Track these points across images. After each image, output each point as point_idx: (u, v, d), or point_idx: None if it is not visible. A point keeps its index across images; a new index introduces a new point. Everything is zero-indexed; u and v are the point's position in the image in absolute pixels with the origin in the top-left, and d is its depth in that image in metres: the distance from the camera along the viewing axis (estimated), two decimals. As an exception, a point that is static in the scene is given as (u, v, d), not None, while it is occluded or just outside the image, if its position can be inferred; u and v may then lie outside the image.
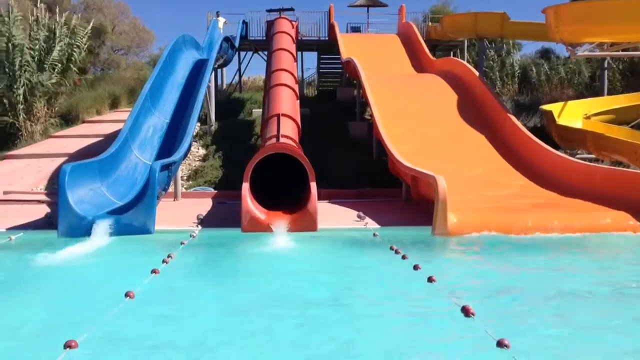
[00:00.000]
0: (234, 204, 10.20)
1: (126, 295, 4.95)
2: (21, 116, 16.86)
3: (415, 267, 6.10)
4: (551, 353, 4.02)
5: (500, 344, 3.71)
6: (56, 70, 17.44)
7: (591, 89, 20.81)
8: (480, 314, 4.40)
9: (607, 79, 18.65)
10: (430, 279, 5.57)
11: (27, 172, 14.14)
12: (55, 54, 17.32)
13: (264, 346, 4.16)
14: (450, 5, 30.85)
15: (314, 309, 5.09)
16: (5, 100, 17.02)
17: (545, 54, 25.73)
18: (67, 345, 3.75)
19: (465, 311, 4.44)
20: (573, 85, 21.93)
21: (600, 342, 4.29)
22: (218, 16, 22.23)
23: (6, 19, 16.55)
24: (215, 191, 13.20)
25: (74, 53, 18.05)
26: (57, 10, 18.52)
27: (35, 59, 17.03)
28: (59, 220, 8.53)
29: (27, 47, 16.77)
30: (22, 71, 16.65)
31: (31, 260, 7.01)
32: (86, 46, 18.95)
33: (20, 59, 16.61)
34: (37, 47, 17.12)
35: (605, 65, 18.51)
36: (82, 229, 8.44)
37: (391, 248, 7.22)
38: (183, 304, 5.30)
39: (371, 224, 9.32)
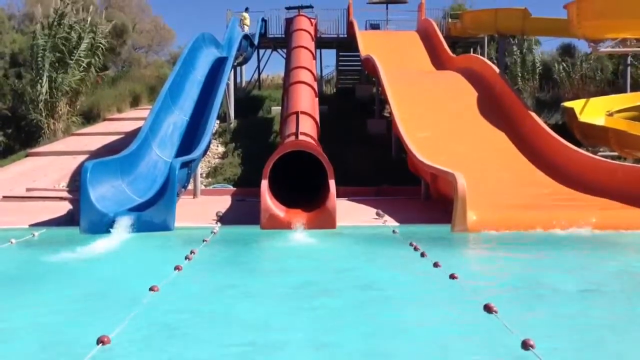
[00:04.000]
0: (253, 201, 10.24)
1: (151, 289, 5.01)
2: (44, 114, 17.09)
3: (435, 265, 6.08)
4: (574, 352, 3.98)
5: (525, 344, 3.67)
6: (81, 67, 17.67)
7: (614, 86, 20.52)
8: (503, 312, 4.37)
9: (630, 76, 18.36)
10: (451, 276, 5.53)
11: (49, 169, 14.33)
12: (80, 50, 17.54)
13: (292, 342, 4.17)
14: (467, 3, 30.47)
15: (334, 306, 5.10)
16: (27, 98, 17.29)
17: (567, 50, 25.43)
18: (100, 341, 3.78)
19: (488, 309, 4.41)
20: (595, 82, 21.63)
21: (625, 340, 4.24)
22: (246, 11, 22.22)
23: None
24: (234, 188, 13.26)
25: (97, 52, 18.29)
26: (81, 9, 18.74)
27: (59, 58, 17.24)
28: (80, 216, 8.64)
29: (49, 46, 16.98)
30: (45, 70, 16.88)
31: (55, 256, 7.11)
32: (107, 45, 19.18)
33: (42, 58, 16.84)
34: (60, 45, 17.33)
35: (629, 61, 18.23)
36: (103, 226, 8.54)
37: (410, 244, 7.19)
38: (208, 298, 5.35)
39: (390, 221, 9.29)
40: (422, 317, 4.83)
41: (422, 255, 6.64)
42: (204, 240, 7.65)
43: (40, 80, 16.92)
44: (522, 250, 7.62)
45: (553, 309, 5.02)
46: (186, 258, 6.49)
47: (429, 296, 5.46)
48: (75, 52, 17.51)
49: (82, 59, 17.63)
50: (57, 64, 17.15)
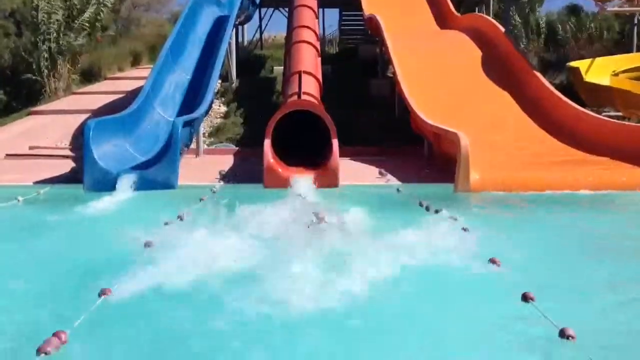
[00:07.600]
0: (255, 160, 10.23)
1: (146, 245, 5.11)
2: (44, 73, 16.95)
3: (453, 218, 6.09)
4: (576, 307, 4.04)
5: (525, 297, 3.73)
6: (85, 30, 17.50)
7: (620, 46, 20.26)
8: (507, 267, 4.41)
9: (637, 36, 18.12)
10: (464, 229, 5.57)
11: (51, 127, 14.29)
12: (87, 15, 17.34)
13: (285, 302, 4.13)
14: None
15: (345, 261, 5.02)
16: (29, 57, 17.13)
17: (573, 9, 25.02)
18: (103, 293, 3.88)
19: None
20: (602, 42, 21.33)
21: (627, 297, 4.28)
22: None
23: None
24: (237, 148, 13.24)
25: (101, 12, 18.07)
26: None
27: (64, 19, 17.02)
28: (84, 174, 8.68)
29: (57, 6, 16.76)
30: (48, 29, 16.70)
31: (60, 213, 7.17)
32: (112, 5, 18.97)
33: (45, 18, 16.63)
34: (67, 5, 17.10)
35: (635, 21, 17.96)
36: (107, 184, 8.57)
37: (420, 204, 7.15)
38: (200, 253, 5.22)
39: (392, 181, 9.31)
40: (433, 270, 4.81)
41: (436, 212, 6.57)
42: (200, 199, 7.66)
43: (42, 40, 16.73)
44: (526, 209, 7.65)
45: (556, 266, 5.07)
46: (178, 217, 6.47)
47: (441, 252, 5.29)
48: (80, 15, 17.29)
49: (86, 23, 17.44)
50: (59, 25, 16.94)
